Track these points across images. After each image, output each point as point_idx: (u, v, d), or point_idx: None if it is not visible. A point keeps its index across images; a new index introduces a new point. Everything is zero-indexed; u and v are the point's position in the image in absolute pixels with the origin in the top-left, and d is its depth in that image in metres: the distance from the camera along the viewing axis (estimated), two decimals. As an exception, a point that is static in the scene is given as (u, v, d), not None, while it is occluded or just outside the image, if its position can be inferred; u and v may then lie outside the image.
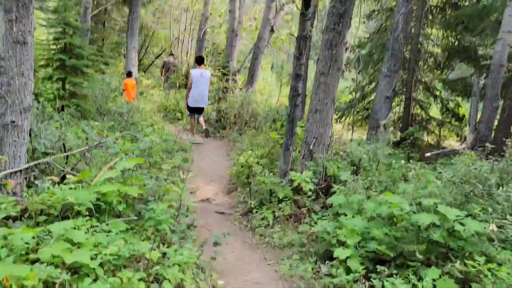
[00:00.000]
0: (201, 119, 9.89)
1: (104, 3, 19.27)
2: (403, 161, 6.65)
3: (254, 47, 14.04)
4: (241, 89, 12.64)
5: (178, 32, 21.76)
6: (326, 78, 5.99)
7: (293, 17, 16.78)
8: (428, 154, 9.74)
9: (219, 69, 11.50)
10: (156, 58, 24.35)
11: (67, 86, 8.14)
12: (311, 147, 6.08)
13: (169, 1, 22.35)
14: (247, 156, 6.55)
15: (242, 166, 6.55)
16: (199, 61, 9.64)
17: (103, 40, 20.31)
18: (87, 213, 3.53)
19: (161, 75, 18.48)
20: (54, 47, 8.03)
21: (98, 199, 3.62)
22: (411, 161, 7.25)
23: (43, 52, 7.89)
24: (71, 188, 3.70)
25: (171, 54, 20.18)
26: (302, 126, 7.13)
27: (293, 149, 6.00)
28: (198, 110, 9.75)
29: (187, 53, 20.92)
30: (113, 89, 10.70)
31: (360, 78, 10.89)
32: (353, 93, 11.40)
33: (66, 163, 4.48)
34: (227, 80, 11.61)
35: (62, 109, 7.73)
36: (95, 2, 18.49)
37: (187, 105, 9.65)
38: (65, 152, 4.27)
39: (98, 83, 9.74)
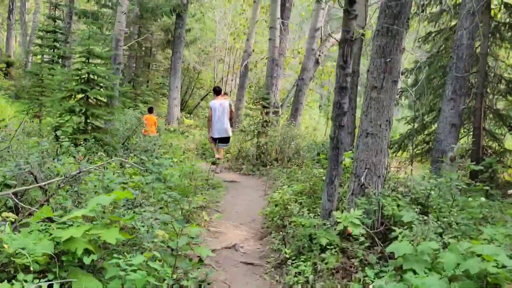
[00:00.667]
0: (222, 151, 9.73)
1: (149, 45, 19.36)
2: (482, 199, 5.19)
3: (298, 80, 13.09)
4: (285, 124, 11.61)
5: (222, 72, 21.45)
6: (378, 93, 4.79)
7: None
8: None
9: (258, 101, 10.58)
10: (202, 99, 24.13)
11: (90, 120, 7.47)
12: (362, 179, 4.82)
13: (213, 42, 22.26)
14: (283, 193, 5.36)
15: (276, 205, 5.36)
16: (217, 91, 9.52)
17: (147, 82, 20.31)
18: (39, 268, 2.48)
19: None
20: (77, 78, 7.44)
21: (60, 248, 2.58)
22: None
23: (67, 83, 7.32)
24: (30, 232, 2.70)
25: (225, 93, 19.69)
26: (351, 157, 5.89)
27: (339, 183, 4.75)
28: (224, 140, 9.57)
29: (230, 92, 20.39)
30: (141, 123, 10.01)
31: (418, 105, 9.52)
32: (411, 123, 10.00)
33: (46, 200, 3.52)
34: (267, 113, 10.65)
35: (78, 144, 7.00)
36: (140, 46, 18.60)
37: (211, 137, 9.54)
38: (36, 183, 3.35)
39: (128, 116, 9.11)
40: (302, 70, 12.70)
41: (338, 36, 10.81)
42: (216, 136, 9.37)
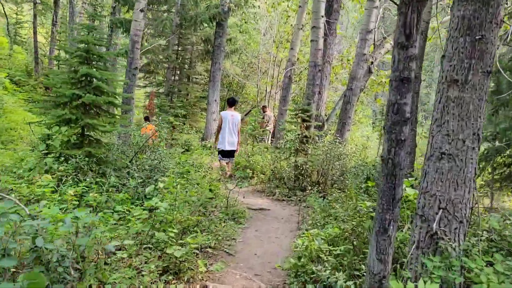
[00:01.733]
0: (230, 164, 9.28)
1: (189, 56, 18.39)
2: None
3: (345, 90, 11.36)
4: (329, 141, 9.89)
5: (265, 85, 20.02)
6: (461, 91, 3.06)
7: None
8: None
9: (296, 114, 8.97)
10: (246, 114, 22.82)
11: (87, 131, 6.20)
12: (434, 226, 3.08)
13: (258, 54, 20.97)
14: (310, 240, 3.70)
15: (300, 258, 3.70)
16: (231, 102, 9.20)
17: (187, 95, 19.30)
18: None
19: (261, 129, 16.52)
20: (72, 81, 6.21)
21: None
22: None
23: (60, 87, 6.10)
24: None
25: (265, 107, 18.42)
26: (413, 185, 4.15)
27: (395, 231, 3.02)
28: (229, 154, 9.20)
29: (273, 107, 18.90)
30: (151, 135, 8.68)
31: (501, 117, 7.45)
32: (490, 141, 7.91)
33: None
34: (307, 128, 9.01)
35: (69, 160, 5.72)
36: (180, 58, 17.63)
37: (218, 150, 9.24)
38: None
39: (133, 128, 7.86)
40: (351, 79, 10.94)
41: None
42: (226, 148, 9.01)
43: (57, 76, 6.25)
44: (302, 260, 3.64)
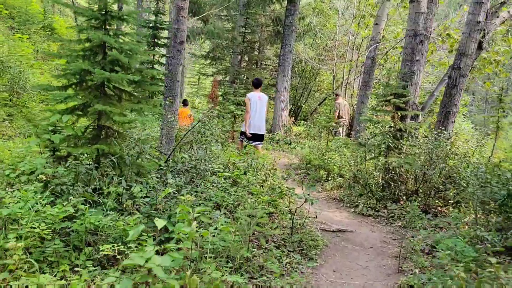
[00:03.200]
0: (260, 147, 8.54)
1: (257, 39, 16.62)
2: None
3: (449, 69, 8.88)
4: (425, 136, 7.56)
5: (343, 70, 17.65)
6: None
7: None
8: None
9: (387, 100, 6.78)
10: (319, 104, 20.65)
11: (103, 121, 4.59)
12: None
13: (335, 36, 18.61)
14: None
15: None
16: (256, 84, 8.58)
17: (254, 82, 17.52)
18: None
19: (335, 120, 14.49)
20: (84, 52, 4.59)
21: None
22: None
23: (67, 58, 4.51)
24: None
25: (338, 95, 16.21)
26: None
27: None
28: (259, 138, 8.49)
29: (351, 95, 16.54)
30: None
31: None
32: None
33: None
34: (402, 119, 6.79)
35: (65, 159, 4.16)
36: (246, 41, 15.93)
37: (245, 134, 8.43)
38: None
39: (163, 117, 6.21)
40: (459, 56, 8.42)
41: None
42: (254, 131, 8.36)
43: (66, 45, 4.69)
44: None
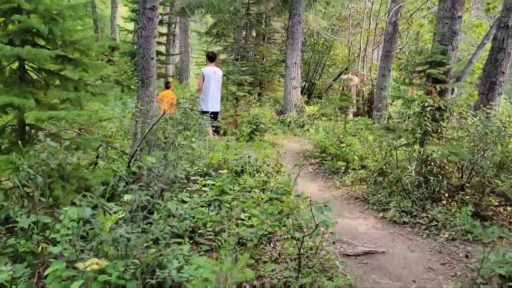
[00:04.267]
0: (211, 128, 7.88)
1: (262, 10, 14.98)
2: None
3: (491, 30, 7.25)
4: (460, 114, 6.01)
5: (360, 41, 15.90)
6: None
7: None
8: None
9: (420, 71, 5.27)
10: (334, 80, 19.01)
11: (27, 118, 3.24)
12: None
13: (350, 3, 16.79)
14: None
15: None
16: (211, 57, 8.10)
17: (262, 58, 16.03)
18: None
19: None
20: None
21: None
22: None
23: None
24: None
25: (346, 69, 14.70)
26: None
27: None
28: (214, 116, 7.98)
29: (370, 67, 14.85)
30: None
31: None
32: None
33: None
34: (441, 93, 5.27)
35: None
36: (250, 13, 14.34)
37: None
38: None
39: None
40: (506, 12, 6.79)
41: None
42: (210, 109, 7.85)
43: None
44: None
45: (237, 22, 14.78)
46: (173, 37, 23.39)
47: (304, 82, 18.99)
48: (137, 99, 5.20)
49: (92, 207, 3.15)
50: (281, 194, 4.34)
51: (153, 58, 5.14)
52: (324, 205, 2.71)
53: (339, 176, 6.76)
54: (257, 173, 5.02)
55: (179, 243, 3.11)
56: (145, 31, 5.01)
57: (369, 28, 14.97)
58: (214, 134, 8.00)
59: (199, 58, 27.25)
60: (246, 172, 4.92)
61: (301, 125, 12.08)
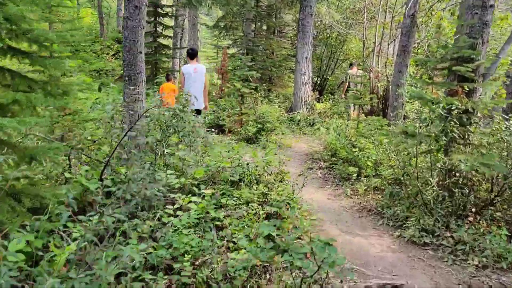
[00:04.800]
0: (197, 125, 7.54)
1: (272, 2, 14.32)
2: None
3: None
4: (487, 116, 5.32)
5: (375, 34, 15.11)
6: None
7: None
8: None
9: (443, 68, 4.61)
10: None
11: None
12: None
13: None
14: None
15: None
16: (191, 54, 7.69)
17: (272, 53, 15.37)
18: None
19: (342, 94, 12.53)
20: None
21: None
22: None
23: None
24: None
25: (352, 64, 14.02)
26: None
27: None
28: (197, 113, 7.37)
29: (385, 62, 14.08)
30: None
31: None
32: None
33: None
34: (469, 94, 4.60)
35: None
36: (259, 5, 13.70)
37: None
38: None
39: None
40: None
41: None
42: (191, 107, 7.24)
43: None
44: None
45: (246, 15, 14.14)
46: (182, 31, 22.85)
47: (316, 78, 18.30)
48: (123, 98, 4.64)
49: (48, 231, 2.62)
50: (280, 208, 3.78)
51: (141, 52, 4.57)
52: (328, 244, 2.10)
53: (351, 183, 6.13)
54: (257, 183, 4.42)
55: (153, 279, 2.55)
56: (131, 21, 4.43)
57: (384, 21, 14.19)
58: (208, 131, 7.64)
59: (209, 52, 26.68)
60: (244, 182, 4.33)
61: (311, 123, 11.45)
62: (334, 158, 7.03)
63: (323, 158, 7.52)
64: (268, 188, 4.37)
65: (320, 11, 14.87)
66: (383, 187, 5.56)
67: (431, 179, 4.44)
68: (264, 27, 16.08)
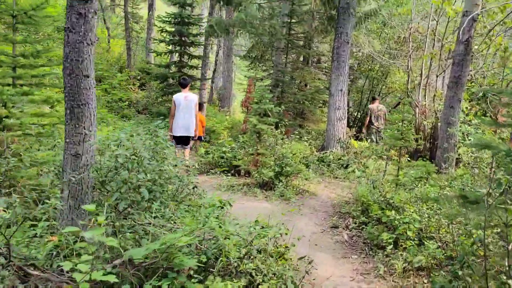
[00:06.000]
0: (187, 151, 8.29)
1: (306, 30, 13.14)
2: None
3: None
4: None
5: (422, 65, 13.46)
6: None
7: None
8: None
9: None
10: (390, 111, 16.59)
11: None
12: None
13: (409, 24, 14.51)
14: None
15: None
16: (182, 83, 8.23)
17: (305, 85, 14.08)
18: None
19: (364, 129, 11.76)
20: None
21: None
22: None
23: None
24: None
25: (374, 99, 12.58)
26: None
27: None
28: (184, 141, 8.16)
29: (434, 96, 12.37)
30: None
31: None
32: None
33: None
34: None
35: None
36: (292, 34, 12.54)
37: (172, 136, 8.02)
38: None
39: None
40: None
41: None
42: (178, 134, 8.04)
43: None
44: None
45: (276, 44, 13.01)
46: (215, 62, 22.15)
47: (357, 112, 16.77)
48: (65, 139, 3.41)
49: None
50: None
51: (87, 76, 3.34)
52: None
53: (385, 254, 4.54)
54: (237, 269, 2.98)
55: None
56: (74, 34, 3.23)
57: (432, 49, 12.57)
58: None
59: (243, 84, 25.75)
60: (216, 268, 2.90)
61: (345, 165, 9.88)
62: (365, 217, 5.46)
63: (351, 213, 5.98)
64: (254, 278, 2.91)
65: (358, 39, 13.51)
66: (429, 266, 3.96)
67: (491, 245, 2.84)
68: (297, 57, 14.93)
